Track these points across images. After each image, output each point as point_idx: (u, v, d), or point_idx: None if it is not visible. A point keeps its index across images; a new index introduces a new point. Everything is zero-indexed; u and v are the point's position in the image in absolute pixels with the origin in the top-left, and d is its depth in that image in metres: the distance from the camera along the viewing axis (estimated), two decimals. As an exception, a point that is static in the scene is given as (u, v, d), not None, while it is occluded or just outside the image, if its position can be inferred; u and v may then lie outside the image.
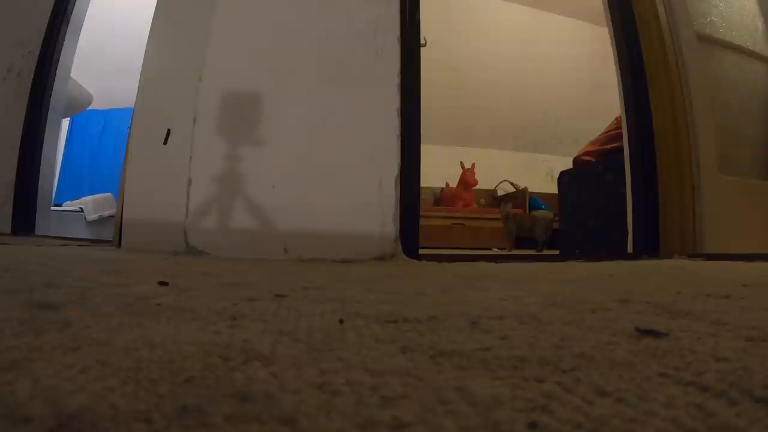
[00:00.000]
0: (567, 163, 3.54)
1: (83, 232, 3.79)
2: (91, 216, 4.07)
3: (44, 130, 3.07)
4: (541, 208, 4.89)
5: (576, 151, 3.31)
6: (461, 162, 4.98)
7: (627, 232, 2.24)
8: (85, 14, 3.25)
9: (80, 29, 3.25)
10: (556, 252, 3.13)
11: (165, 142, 1.87)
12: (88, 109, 4.31)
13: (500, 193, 5.32)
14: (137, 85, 2.14)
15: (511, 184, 5.28)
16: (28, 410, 0.26)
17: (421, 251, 1.89)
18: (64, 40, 3.11)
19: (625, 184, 2.28)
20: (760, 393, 0.32)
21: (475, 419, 0.27)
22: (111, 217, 3.39)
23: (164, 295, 0.70)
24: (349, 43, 1.89)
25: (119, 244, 2.03)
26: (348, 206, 1.81)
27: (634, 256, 2.08)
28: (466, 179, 4.98)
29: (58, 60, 3.10)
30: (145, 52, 2.14)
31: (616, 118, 2.75)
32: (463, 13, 5.26)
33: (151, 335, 0.44)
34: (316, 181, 1.81)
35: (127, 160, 2.13)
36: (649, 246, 2.16)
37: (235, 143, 1.77)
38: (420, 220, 1.95)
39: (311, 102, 1.84)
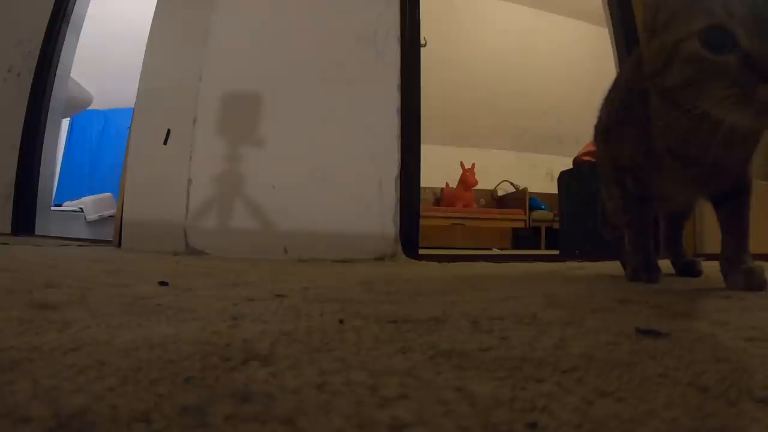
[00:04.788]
0: (567, 163, 3.53)
1: (83, 232, 3.79)
2: (91, 216, 4.07)
3: (44, 130, 3.07)
4: (541, 208, 4.89)
5: (576, 151, 3.31)
6: (461, 162, 4.98)
7: (627, 232, 2.24)
8: (85, 14, 3.25)
9: (80, 29, 3.25)
10: (556, 252, 3.13)
11: (165, 142, 1.87)
12: (88, 109, 4.31)
13: (500, 193, 5.33)
14: (137, 85, 2.14)
15: (511, 184, 5.28)
16: (28, 410, 0.26)
17: (421, 251, 1.89)
18: (64, 40, 3.11)
19: (625, 184, 2.28)
20: (760, 393, 0.32)
21: (474, 419, 0.27)
22: (111, 217, 3.39)
23: (164, 295, 0.70)
24: (349, 43, 1.89)
25: (119, 244, 2.04)
26: (348, 206, 1.81)
27: (634, 256, 2.08)
28: (466, 179, 4.98)
29: (58, 60, 3.10)
30: (145, 52, 2.14)
31: (617, 118, 2.73)
32: (463, 13, 5.26)
33: (151, 335, 0.44)
34: (316, 181, 1.81)
35: (127, 160, 2.13)
36: (649, 246, 2.16)
37: (235, 143, 1.77)
38: (420, 220, 1.95)
39: (311, 102, 1.84)
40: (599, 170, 1.21)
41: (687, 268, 1.21)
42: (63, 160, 5.04)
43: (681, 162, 0.85)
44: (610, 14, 2.42)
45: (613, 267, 1.34)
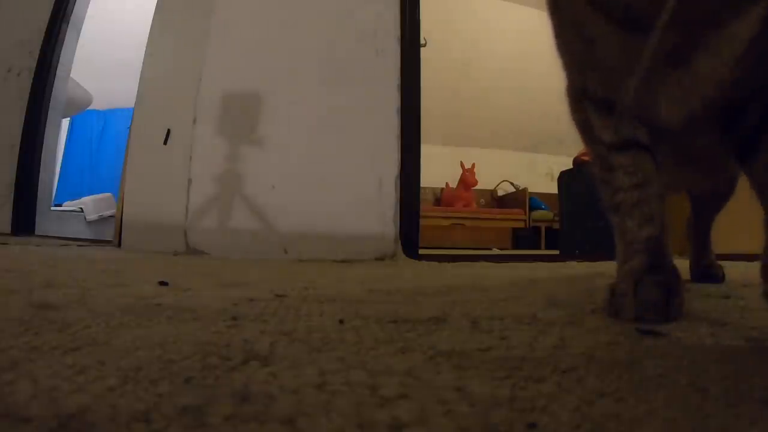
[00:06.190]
0: (567, 163, 3.53)
1: (83, 232, 3.79)
2: (91, 216, 4.06)
3: (44, 130, 3.07)
4: (541, 208, 4.89)
5: (576, 151, 3.31)
6: (461, 162, 4.98)
7: (627, 232, 2.23)
8: (85, 14, 3.25)
9: (80, 29, 3.25)
10: (556, 252, 3.13)
11: (165, 142, 1.87)
12: (88, 109, 4.30)
13: (500, 193, 5.33)
14: (137, 85, 2.14)
15: (511, 184, 5.28)
16: (28, 410, 0.26)
17: (421, 251, 1.89)
18: (64, 40, 3.11)
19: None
20: (760, 393, 0.32)
21: (474, 419, 0.27)
22: (111, 217, 3.39)
23: (164, 295, 0.70)
24: (349, 43, 1.89)
25: (119, 244, 2.03)
26: (348, 206, 1.81)
27: (634, 256, 2.08)
28: (466, 179, 4.98)
29: (58, 60, 3.10)
30: (145, 52, 2.14)
31: (616, 118, 2.73)
32: (463, 13, 5.25)
33: (151, 335, 0.44)
34: (315, 182, 1.81)
35: (127, 160, 2.13)
36: (649, 246, 2.15)
37: (234, 143, 1.77)
38: (420, 220, 1.95)
39: (311, 102, 1.84)
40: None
41: (706, 272, 1.01)
42: (63, 160, 5.04)
43: (625, 25, 0.49)
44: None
45: (613, 267, 1.34)
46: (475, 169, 5.01)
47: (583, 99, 0.64)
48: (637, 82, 0.51)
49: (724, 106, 0.54)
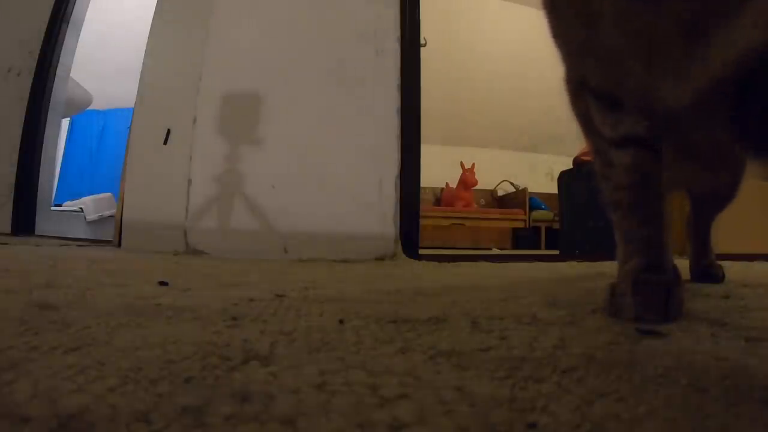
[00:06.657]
0: (567, 163, 3.53)
1: (83, 232, 3.79)
2: (91, 216, 4.06)
3: (44, 130, 3.07)
4: (541, 208, 4.89)
5: (576, 151, 3.31)
6: (461, 162, 4.98)
7: (627, 232, 2.22)
8: (85, 14, 3.25)
9: (80, 29, 3.25)
10: (556, 252, 3.13)
11: (165, 142, 1.87)
12: (88, 109, 4.30)
13: (500, 193, 5.33)
14: (137, 85, 2.14)
15: (511, 184, 5.28)
16: (28, 410, 0.26)
17: (421, 251, 1.89)
18: (64, 40, 3.11)
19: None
20: (760, 393, 0.32)
21: (473, 419, 0.27)
22: (111, 217, 3.38)
23: (164, 295, 0.70)
24: (349, 43, 1.89)
25: (119, 244, 2.03)
26: (348, 206, 1.81)
27: (634, 256, 2.07)
28: (466, 179, 4.98)
29: (58, 60, 3.10)
30: (145, 51, 2.14)
31: (616, 118, 2.72)
32: (463, 13, 5.25)
33: (151, 335, 0.44)
34: (315, 181, 1.81)
35: (127, 160, 2.13)
36: (649, 246, 2.15)
37: (234, 143, 1.77)
38: (420, 220, 1.95)
39: (311, 102, 1.84)
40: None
41: (706, 272, 1.01)
42: (63, 160, 5.03)
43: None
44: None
45: (613, 267, 1.34)
46: (475, 169, 5.02)
47: (583, 91, 0.64)
48: (666, 52, 0.47)
49: (732, 92, 0.51)
